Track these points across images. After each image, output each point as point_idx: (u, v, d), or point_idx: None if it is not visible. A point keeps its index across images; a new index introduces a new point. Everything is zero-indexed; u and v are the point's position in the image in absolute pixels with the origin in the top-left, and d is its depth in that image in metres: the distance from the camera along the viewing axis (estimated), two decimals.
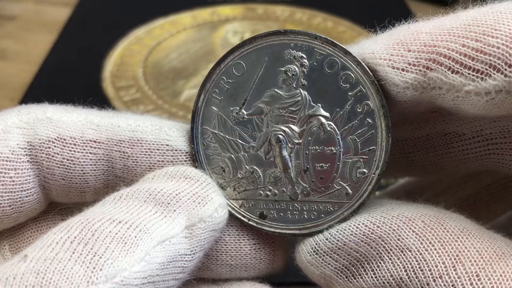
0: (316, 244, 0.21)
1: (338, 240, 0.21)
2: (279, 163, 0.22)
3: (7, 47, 0.58)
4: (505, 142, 0.21)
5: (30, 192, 0.22)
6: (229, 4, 0.62)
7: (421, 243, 0.19)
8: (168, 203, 0.20)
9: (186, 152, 0.22)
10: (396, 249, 0.19)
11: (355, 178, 0.21)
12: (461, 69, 0.18)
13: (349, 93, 0.21)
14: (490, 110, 0.19)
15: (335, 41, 0.21)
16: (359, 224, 0.21)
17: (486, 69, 0.18)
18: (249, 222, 0.22)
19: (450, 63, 0.18)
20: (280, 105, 0.22)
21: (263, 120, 0.22)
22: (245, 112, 0.22)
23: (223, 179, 0.22)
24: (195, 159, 0.22)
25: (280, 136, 0.22)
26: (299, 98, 0.21)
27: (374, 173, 0.21)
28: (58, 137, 0.22)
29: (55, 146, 0.22)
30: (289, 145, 0.22)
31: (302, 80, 0.21)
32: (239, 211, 0.22)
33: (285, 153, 0.22)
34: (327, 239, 0.21)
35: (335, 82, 0.21)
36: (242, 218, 0.22)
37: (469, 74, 0.18)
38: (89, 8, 0.63)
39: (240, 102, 0.22)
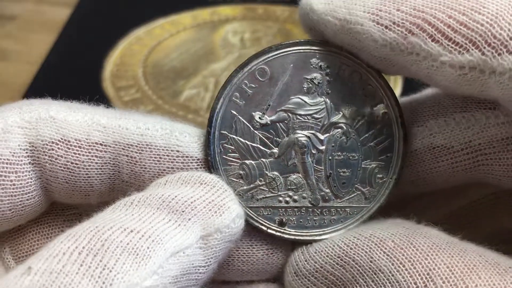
0: (297, 265, 0.21)
1: (315, 262, 0.20)
2: (301, 169, 0.22)
3: (7, 47, 0.58)
4: (494, 152, 0.21)
5: (32, 195, 0.21)
6: (229, 4, 0.62)
7: (392, 264, 0.18)
8: (183, 211, 0.19)
9: (198, 159, 0.22)
10: (369, 271, 0.19)
11: (374, 183, 0.22)
12: (441, 39, 0.18)
13: (370, 104, 0.22)
14: (461, 86, 0.19)
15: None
16: (333, 246, 0.20)
17: (466, 43, 0.18)
18: (268, 231, 0.22)
19: (432, 31, 0.18)
20: (304, 112, 0.22)
21: (287, 126, 0.22)
22: (268, 118, 0.22)
23: (240, 186, 0.22)
24: (210, 165, 0.22)
25: (305, 142, 0.22)
26: (323, 106, 0.22)
27: (391, 178, 0.22)
28: (62, 139, 0.21)
29: (58, 148, 0.21)
30: (312, 151, 0.22)
31: (326, 88, 0.22)
32: (257, 219, 0.22)
33: (308, 159, 0.22)
34: (306, 261, 0.21)
35: (357, 92, 0.22)
36: (261, 227, 0.22)
37: (448, 45, 0.18)
38: (89, 8, 0.63)
39: (263, 107, 0.22)
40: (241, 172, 0.22)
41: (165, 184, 0.20)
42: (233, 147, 0.22)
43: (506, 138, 0.21)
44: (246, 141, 0.22)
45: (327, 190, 0.22)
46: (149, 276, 0.16)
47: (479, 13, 0.18)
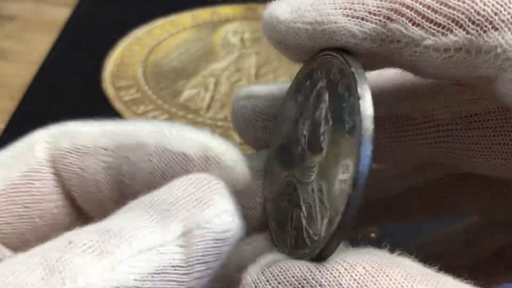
0: (256, 285, 0.19)
1: (279, 282, 0.18)
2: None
3: (7, 47, 0.58)
4: (457, 129, 0.21)
5: (59, 204, 0.22)
6: (229, 4, 0.62)
7: None
8: (167, 210, 0.18)
9: (184, 154, 0.20)
10: None
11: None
12: (422, 22, 0.17)
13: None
14: (448, 70, 0.18)
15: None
16: (302, 267, 0.18)
17: (448, 23, 0.17)
18: None
19: (412, 15, 0.17)
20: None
21: None
22: None
23: None
24: None
25: None
26: None
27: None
28: (74, 147, 0.21)
29: (71, 156, 0.21)
30: None
31: None
32: None
33: None
34: (267, 281, 0.18)
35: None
36: None
37: (430, 27, 0.17)
38: (89, 8, 0.63)
39: None
40: None
41: (163, 187, 0.19)
42: None
43: (469, 115, 0.20)
44: None
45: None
46: (106, 270, 0.16)
47: None
